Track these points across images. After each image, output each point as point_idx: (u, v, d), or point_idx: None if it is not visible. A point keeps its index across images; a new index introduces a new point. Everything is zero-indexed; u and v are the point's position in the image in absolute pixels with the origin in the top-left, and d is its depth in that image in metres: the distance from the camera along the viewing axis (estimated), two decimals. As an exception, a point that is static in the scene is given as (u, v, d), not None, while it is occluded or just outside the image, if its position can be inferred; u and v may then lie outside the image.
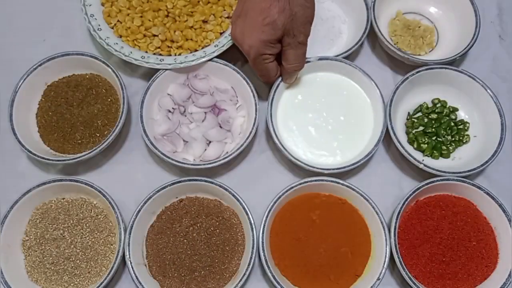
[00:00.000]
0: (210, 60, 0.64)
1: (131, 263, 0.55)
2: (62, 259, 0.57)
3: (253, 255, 0.55)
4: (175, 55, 0.66)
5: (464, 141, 0.65)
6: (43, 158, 0.59)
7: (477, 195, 0.60)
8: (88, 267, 0.57)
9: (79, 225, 0.59)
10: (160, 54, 0.66)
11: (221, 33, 0.68)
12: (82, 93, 0.64)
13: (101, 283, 0.54)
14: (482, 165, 0.61)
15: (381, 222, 0.57)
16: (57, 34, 0.72)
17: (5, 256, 0.56)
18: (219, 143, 0.62)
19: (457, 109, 0.67)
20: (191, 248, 0.57)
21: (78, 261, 0.57)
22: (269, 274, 0.54)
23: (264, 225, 0.56)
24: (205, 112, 0.64)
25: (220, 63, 0.65)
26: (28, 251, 0.58)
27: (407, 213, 0.59)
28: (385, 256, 0.56)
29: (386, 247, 0.56)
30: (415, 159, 0.61)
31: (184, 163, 0.59)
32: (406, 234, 0.58)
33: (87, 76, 0.66)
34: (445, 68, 0.66)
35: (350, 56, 0.69)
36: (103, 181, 0.61)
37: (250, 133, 0.60)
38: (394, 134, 0.61)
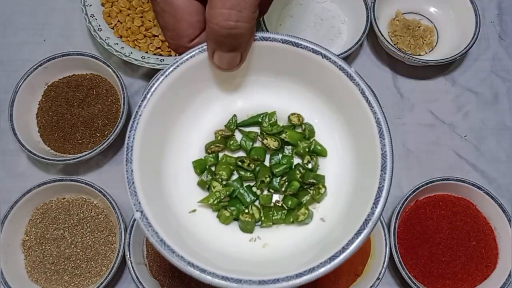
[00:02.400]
0: (210, 60, 0.64)
1: (131, 262, 0.55)
2: (62, 259, 0.57)
3: (253, 255, 0.55)
4: (175, 55, 0.66)
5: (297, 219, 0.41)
6: (43, 158, 0.59)
7: (477, 195, 0.60)
8: (88, 267, 0.57)
9: (80, 225, 0.59)
10: (161, 55, 0.67)
11: (221, 33, 0.68)
12: (82, 93, 0.65)
13: (102, 283, 0.54)
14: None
15: (381, 222, 0.57)
16: (57, 34, 0.72)
17: (5, 256, 0.56)
18: (219, 143, 0.62)
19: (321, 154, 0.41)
20: (191, 248, 0.57)
21: (78, 261, 0.57)
22: (269, 274, 0.54)
23: (264, 225, 0.56)
24: (205, 112, 0.64)
25: (220, 63, 0.65)
26: (28, 251, 0.58)
27: (407, 213, 0.60)
28: (385, 255, 0.56)
29: (385, 247, 0.56)
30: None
31: (184, 163, 0.59)
32: (405, 234, 0.58)
33: (88, 76, 0.66)
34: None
35: (350, 56, 0.69)
36: (103, 181, 0.61)
37: (250, 133, 0.60)
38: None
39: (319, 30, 0.72)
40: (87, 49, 0.67)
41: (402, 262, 0.55)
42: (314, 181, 0.35)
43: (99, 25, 0.67)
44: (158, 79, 0.34)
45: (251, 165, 0.35)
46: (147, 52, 0.66)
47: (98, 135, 0.63)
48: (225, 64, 0.33)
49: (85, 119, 0.63)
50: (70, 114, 0.64)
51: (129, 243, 0.55)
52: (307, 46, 0.34)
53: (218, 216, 0.35)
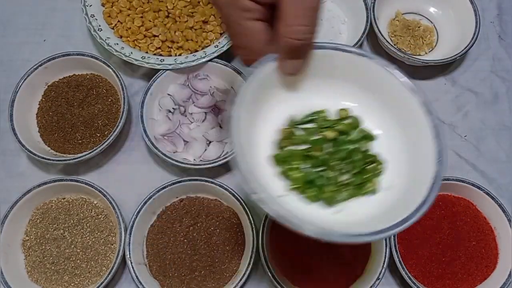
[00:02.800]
0: (210, 60, 0.65)
1: (131, 262, 0.55)
2: (62, 259, 0.57)
3: (253, 255, 0.55)
4: (176, 55, 0.66)
5: (366, 190, 0.48)
6: (43, 158, 0.59)
7: (477, 195, 0.60)
8: (88, 267, 0.57)
9: (80, 225, 0.59)
10: (161, 55, 0.67)
11: (221, 34, 0.68)
12: (82, 93, 0.65)
13: (102, 283, 0.54)
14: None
15: (381, 222, 0.57)
16: (57, 34, 0.72)
17: (5, 256, 0.56)
18: (219, 143, 0.62)
19: (373, 138, 0.53)
20: (191, 248, 0.57)
21: (78, 261, 0.57)
22: (269, 274, 0.54)
23: (264, 225, 0.56)
24: (205, 112, 0.64)
25: (220, 63, 0.65)
26: (29, 251, 0.58)
27: (407, 213, 0.59)
28: (385, 256, 0.56)
29: (385, 247, 0.56)
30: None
31: (185, 163, 0.60)
32: (405, 234, 0.58)
33: (88, 76, 0.66)
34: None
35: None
36: (103, 181, 0.61)
37: (250, 133, 0.60)
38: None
39: (319, 30, 0.72)
40: (87, 49, 0.67)
41: (402, 262, 0.55)
42: (371, 159, 0.41)
43: (99, 25, 0.67)
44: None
45: (317, 154, 0.40)
46: (147, 52, 0.66)
47: (98, 135, 0.63)
48: (294, 70, 0.39)
49: (85, 119, 0.63)
50: (70, 114, 0.64)
51: (129, 243, 0.55)
52: (352, 51, 0.41)
53: (307, 196, 0.39)
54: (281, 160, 0.40)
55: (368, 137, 0.42)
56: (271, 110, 0.41)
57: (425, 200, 0.36)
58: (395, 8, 0.74)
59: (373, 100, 0.43)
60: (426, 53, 0.72)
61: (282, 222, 0.34)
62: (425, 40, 0.72)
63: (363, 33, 0.67)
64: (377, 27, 0.67)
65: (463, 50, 0.66)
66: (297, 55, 0.38)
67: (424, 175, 0.38)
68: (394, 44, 0.71)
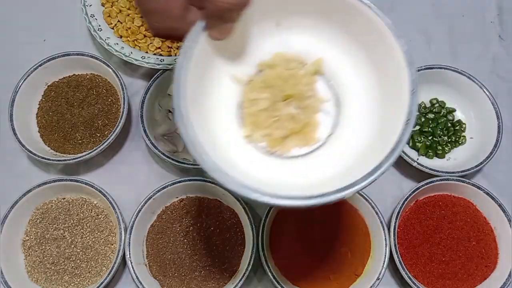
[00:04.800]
0: (210, 60, 0.64)
1: (131, 262, 0.55)
2: (62, 259, 0.57)
3: (253, 255, 0.55)
4: (176, 55, 0.66)
5: (460, 142, 0.65)
6: (43, 158, 0.59)
7: (477, 195, 0.60)
8: (88, 267, 0.57)
9: (80, 225, 0.59)
10: (161, 55, 0.67)
11: (221, 33, 0.68)
12: (82, 93, 0.65)
13: (102, 283, 0.54)
14: (477, 165, 0.61)
15: (381, 222, 0.57)
16: (57, 34, 0.72)
17: (5, 256, 0.56)
18: (219, 143, 0.62)
19: (454, 110, 0.67)
20: (191, 248, 0.57)
21: (78, 261, 0.57)
22: (269, 274, 0.54)
23: (264, 225, 0.56)
24: (205, 112, 0.64)
25: (220, 63, 0.65)
26: (29, 251, 0.58)
27: (407, 213, 0.60)
28: (385, 256, 0.56)
29: (385, 247, 0.56)
30: (409, 157, 0.61)
31: (185, 163, 0.60)
32: (405, 234, 0.58)
33: (88, 76, 0.66)
34: (444, 68, 0.66)
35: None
36: (103, 181, 0.61)
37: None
38: None
39: None
40: (87, 49, 0.66)
41: (402, 262, 0.55)
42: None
43: (99, 25, 0.67)
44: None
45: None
46: (147, 52, 0.66)
47: (98, 135, 0.63)
48: (224, 34, 0.37)
49: (85, 119, 0.63)
50: (70, 114, 0.64)
51: (129, 243, 0.56)
52: None
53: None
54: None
55: (451, 110, 0.44)
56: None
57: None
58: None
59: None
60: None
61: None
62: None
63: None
64: None
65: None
66: (228, 19, 0.36)
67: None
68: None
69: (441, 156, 0.64)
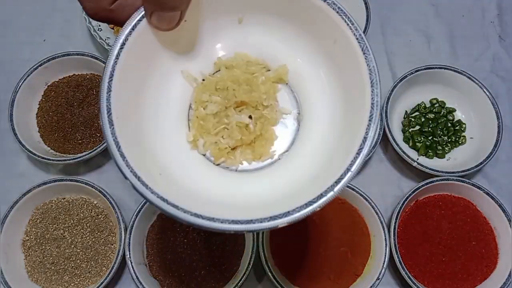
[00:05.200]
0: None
1: (131, 262, 0.55)
2: (62, 259, 0.57)
3: (253, 255, 0.55)
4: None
5: (460, 142, 0.65)
6: (43, 158, 0.59)
7: (477, 195, 0.60)
8: (88, 266, 0.57)
9: (80, 225, 0.59)
10: (160, 54, 0.66)
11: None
12: (82, 93, 0.65)
13: (102, 283, 0.54)
14: (477, 165, 0.61)
15: (381, 222, 0.57)
16: (57, 34, 0.72)
17: (5, 256, 0.56)
18: (219, 143, 0.62)
19: (454, 110, 0.67)
20: (191, 248, 0.57)
21: (78, 261, 0.57)
22: (269, 274, 0.54)
23: (264, 225, 0.56)
24: (205, 112, 0.64)
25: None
26: (29, 251, 0.58)
27: (407, 213, 0.60)
28: (385, 255, 0.56)
29: (385, 246, 0.56)
30: (409, 157, 0.61)
31: (184, 163, 0.59)
32: (405, 234, 0.58)
33: (88, 76, 0.66)
34: (444, 68, 0.66)
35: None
36: (103, 181, 0.61)
37: (250, 133, 0.60)
38: (390, 131, 0.61)
39: None
40: (87, 49, 0.66)
41: (402, 262, 0.55)
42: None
43: (99, 25, 0.67)
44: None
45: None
46: (147, 52, 0.66)
47: (98, 135, 0.63)
48: (166, 24, 0.32)
49: (85, 119, 0.63)
50: (70, 114, 0.64)
51: (129, 243, 0.56)
52: None
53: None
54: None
55: (451, 110, 0.41)
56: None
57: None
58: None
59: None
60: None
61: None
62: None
63: (363, 32, 0.67)
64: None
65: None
66: (170, 5, 0.31)
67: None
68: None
69: (441, 156, 0.64)
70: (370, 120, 0.31)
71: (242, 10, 0.36)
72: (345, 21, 0.33)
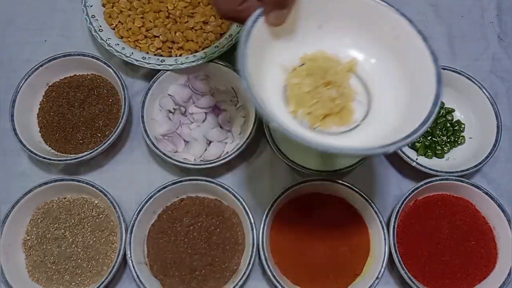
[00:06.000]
0: (211, 61, 0.65)
1: (132, 262, 0.55)
2: (63, 258, 0.57)
3: (253, 254, 0.55)
4: (176, 56, 0.67)
5: (459, 142, 0.65)
6: (44, 158, 0.60)
7: (476, 194, 0.60)
8: (89, 266, 0.57)
9: (81, 225, 0.59)
10: (161, 55, 0.67)
11: (221, 34, 0.68)
12: (83, 94, 0.65)
13: (102, 282, 0.54)
14: (476, 165, 0.61)
15: (380, 222, 0.57)
16: (58, 35, 0.73)
17: (6, 256, 0.56)
18: (219, 143, 0.63)
19: (453, 110, 0.67)
20: (192, 247, 0.57)
21: (79, 261, 0.57)
22: (269, 273, 0.54)
23: (264, 225, 0.56)
24: (206, 113, 0.65)
25: (221, 63, 0.65)
26: (29, 251, 0.58)
27: (406, 212, 0.60)
28: (384, 255, 0.56)
29: (385, 246, 0.56)
30: (408, 157, 0.61)
31: (185, 163, 0.60)
32: (405, 234, 0.58)
33: (89, 77, 0.66)
34: (443, 68, 0.66)
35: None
36: (104, 181, 0.61)
37: (250, 133, 0.61)
38: None
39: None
40: (88, 50, 0.67)
41: (401, 261, 0.55)
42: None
43: (100, 26, 0.67)
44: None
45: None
46: (147, 53, 0.66)
47: (99, 135, 0.63)
48: (280, 20, 0.43)
49: (86, 119, 0.64)
50: (71, 114, 0.64)
51: (130, 242, 0.56)
52: None
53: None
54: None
55: (451, 110, 0.59)
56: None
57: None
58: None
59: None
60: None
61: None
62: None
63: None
64: None
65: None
66: (283, 5, 0.42)
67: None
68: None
69: (440, 156, 0.64)
70: (438, 83, 0.43)
71: (324, 18, 0.48)
72: (406, 18, 0.45)
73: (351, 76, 0.48)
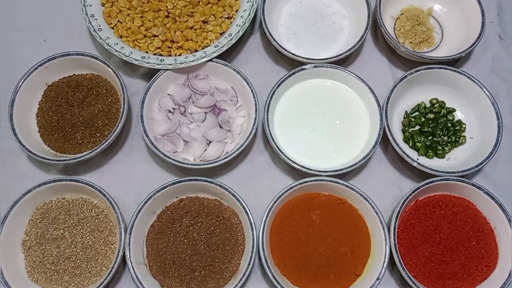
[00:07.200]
0: (210, 60, 0.65)
1: (131, 262, 0.55)
2: (62, 259, 0.57)
3: (253, 255, 0.55)
4: (175, 55, 0.66)
5: (460, 142, 0.65)
6: (43, 158, 0.59)
7: (477, 195, 0.60)
8: (88, 266, 0.57)
9: (80, 225, 0.59)
10: (161, 55, 0.67)
11: (221, 34, 0.68)
12: (82, 93, 0.65)
13: (102, 283, 0.54)
14: (477, 165, 0.61)
15: (381, 222, 0.57)
16: (57, 34, 0.72)
17: (5, 256, 0.56)
18: (219, 143, 0.62)
19: (454, 110, 0.67)
20: (191, 248, 0.57)
21: (78, 261, 0.57)
22: (269, 274, 0.54)
23: (264, 225, 0.56)
24: (205, 112, 0.64)
25: (220, 63, 0.65)
26: (29, 251, 0.58)
27: (407, 213, 0.60)
28: (385, 255, 0.56)
29: (385, 246, 0.56)
30: (409, 157, 0.61)
31: (184, 163, 0.60)
32: (405, 234, 0.58)
33: (88, 76, 0.66)
34: (444, 68, 0.66)
35: (352, 53, 0.69)
36: (103, 181, 0.61)
37: (250, 133, 0.60)
38: (390, 131, 0.61)
39: (320, 27, 0.72)
40: (87, 49, 0.67)
41: (402, 262, 0.55)
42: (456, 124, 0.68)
43: (99, 25, 0.67)
44: None
45: (425, 129, 0.67)
46: (147, 52, 0.66)
47: (98, 135, 0.63)
48: None
49: (85, 119, 0.63)
50: (70, 114, 0.64)
51: (129, 243, 0.56)
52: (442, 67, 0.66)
53: (427, 155, 0.66)
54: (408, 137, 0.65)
55: (451, 110, 0.67)
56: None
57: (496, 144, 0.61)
58: (400, 6, 0.74)
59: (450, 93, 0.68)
60: (429, 44, 0.72)
61: None
62: (429, 37, 0.72)
63: (366, 28, 0.67)
64: (383, 23, 0.67)
65: (468, 49, 0.66)
66: None
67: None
68: (397, 39, 0.71)
69: (441, 156, 0.64)
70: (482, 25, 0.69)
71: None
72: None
73: (430, 17, 0.73)
